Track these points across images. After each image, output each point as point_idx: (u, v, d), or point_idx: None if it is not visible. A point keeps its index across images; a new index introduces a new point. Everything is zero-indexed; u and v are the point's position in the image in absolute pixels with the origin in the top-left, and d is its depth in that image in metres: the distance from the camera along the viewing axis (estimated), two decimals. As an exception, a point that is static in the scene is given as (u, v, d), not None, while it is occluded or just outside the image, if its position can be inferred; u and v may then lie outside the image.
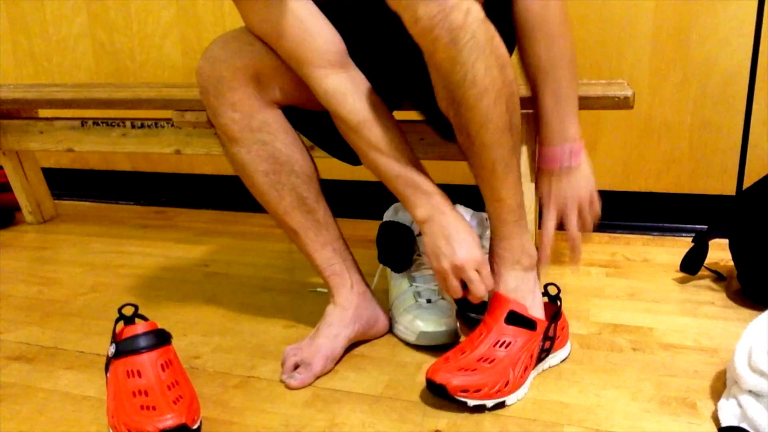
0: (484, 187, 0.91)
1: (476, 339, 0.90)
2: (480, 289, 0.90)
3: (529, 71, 0.99)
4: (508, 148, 0.87)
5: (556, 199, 1.01)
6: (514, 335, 0.89)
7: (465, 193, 1.64)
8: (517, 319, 0.90)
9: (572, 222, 1.01)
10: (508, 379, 0.86)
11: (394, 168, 0.93)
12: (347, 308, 1.02)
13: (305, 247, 1.03)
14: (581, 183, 1.02)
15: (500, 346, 0.88)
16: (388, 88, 1.00)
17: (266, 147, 0.98)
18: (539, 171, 1.03)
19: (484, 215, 1.21)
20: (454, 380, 0.84)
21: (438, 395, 0.85)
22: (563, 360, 0.99)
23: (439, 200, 0.92)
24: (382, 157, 0.93)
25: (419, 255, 1.10)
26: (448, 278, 0.91)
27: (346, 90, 0.93)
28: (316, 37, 0.92)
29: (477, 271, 0.90)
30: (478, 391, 0.84)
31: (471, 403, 0.84)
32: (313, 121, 1.04)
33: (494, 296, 0.93)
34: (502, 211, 0.91)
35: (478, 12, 0.80)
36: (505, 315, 0.90)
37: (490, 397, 0.85)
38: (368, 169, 0.97)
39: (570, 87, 1.01)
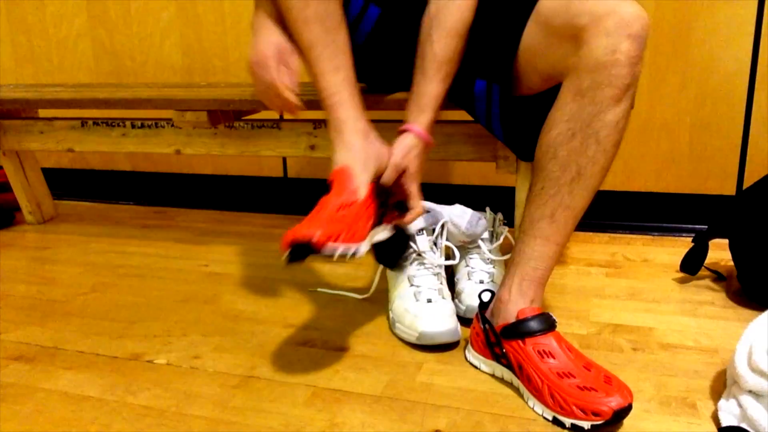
0: (551, 225, 0.92)
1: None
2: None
3: (428, 58, 1.00)
4: (587, 204, 0.91)
5: (419, 172, 1.02)
6: None
7: (465, 193, 1.64)
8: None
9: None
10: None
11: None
12: (357, 150, 0.97)
13: (317, 65, 0.96)
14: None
15: None
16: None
17: None
18: (420, 141, 1.01)
19: (483, 215, 1.21)
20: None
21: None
22: None
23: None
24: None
25: (419, 254, 1.10)
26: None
27: None
28: None
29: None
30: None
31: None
32: None
33: None
34: (556, 239, 0.93)
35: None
36: None
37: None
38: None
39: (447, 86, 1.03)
